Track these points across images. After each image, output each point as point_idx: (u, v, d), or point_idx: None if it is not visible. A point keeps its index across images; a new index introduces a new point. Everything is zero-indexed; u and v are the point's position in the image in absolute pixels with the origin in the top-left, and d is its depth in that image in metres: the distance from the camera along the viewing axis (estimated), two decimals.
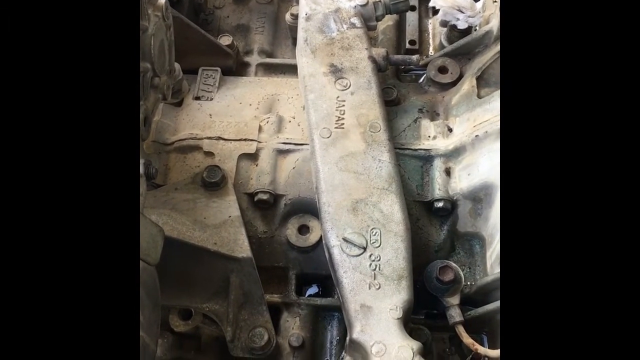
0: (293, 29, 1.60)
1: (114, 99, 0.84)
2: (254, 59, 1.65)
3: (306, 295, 1.38)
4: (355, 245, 1.19)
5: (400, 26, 1.70)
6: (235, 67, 1.61)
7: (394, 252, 1.18)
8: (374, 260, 1.17)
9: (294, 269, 1.35)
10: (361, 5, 1.48)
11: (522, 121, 0.83)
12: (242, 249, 1.22)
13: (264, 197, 1.34)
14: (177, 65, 1.45)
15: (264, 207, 1.35)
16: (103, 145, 0.81)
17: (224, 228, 1.24)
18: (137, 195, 0.89)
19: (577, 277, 0.77)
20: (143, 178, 1.04)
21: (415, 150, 1.38)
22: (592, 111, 0.81)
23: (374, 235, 1.20)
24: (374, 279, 1.16)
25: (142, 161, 1.03)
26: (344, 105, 1.35)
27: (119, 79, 0.84)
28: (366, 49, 1.42)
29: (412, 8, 1.72)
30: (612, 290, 0.76)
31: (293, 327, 1.30)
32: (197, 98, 1.50)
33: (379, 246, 1.19)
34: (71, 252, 0.77)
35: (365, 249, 1.19)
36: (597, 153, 0.80)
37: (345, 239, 1.19)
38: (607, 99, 0.81)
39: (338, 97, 1.36)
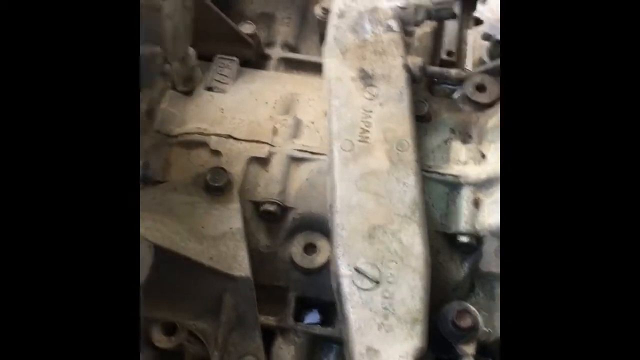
0: (322, 24, 1.46)
1: (110, 89, 0.72)
2: (276, 52, 1.52)
3: (305, 322, 1.25)
4: (367, 277, 1.06)
5: (437, 35, 1.56)
6: (254, 59, 1.47)
7: (409, 290, 1.05)
8: (386, 298, 1.04)
9: (295, 291, 1.22)
10: (401, 7, 1.34)
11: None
12: (242, 267, 1.09)
13: (271, 208, 1.20)
14: (191, 51, 1.32)
15: (270, 219, 1.22)
16: (99, 142, 0.72)
17: (223, 241, 1.10)
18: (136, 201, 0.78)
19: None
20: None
21: (443, 175, 1.24)
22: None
23: (390, 268, 1.07)
24: (386, 319, 1.02)
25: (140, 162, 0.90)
26: (370, 117, 1.21)
27: (117, 66, 0.72)
28: (401, 56, 1.28)
29: (453, 16, 1.58)
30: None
31: (287, 356, 1.17)
32: (210, 89, 1.36)
33: (394, 282, 1.06)
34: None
35: (378, 283, 1.05)
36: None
37: (357, 269, 1.06)
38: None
39: (365, 106, 1.22)
